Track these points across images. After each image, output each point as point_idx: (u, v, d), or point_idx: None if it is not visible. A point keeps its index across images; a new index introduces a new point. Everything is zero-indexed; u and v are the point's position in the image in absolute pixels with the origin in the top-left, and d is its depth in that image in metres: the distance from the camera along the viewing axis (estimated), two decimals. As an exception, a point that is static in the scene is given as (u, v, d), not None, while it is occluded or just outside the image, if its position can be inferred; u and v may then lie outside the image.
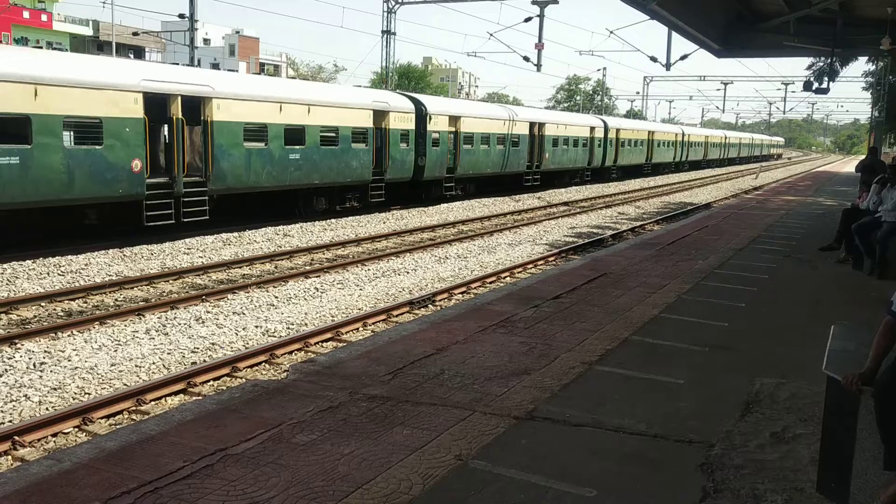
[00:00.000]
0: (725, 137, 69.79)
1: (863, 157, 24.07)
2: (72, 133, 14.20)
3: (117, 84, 14.71)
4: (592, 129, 38.27)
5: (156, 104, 15.63)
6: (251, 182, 17.99)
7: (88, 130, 14.33)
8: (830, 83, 23.27)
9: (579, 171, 38.06)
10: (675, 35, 22.78)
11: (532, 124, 31.85)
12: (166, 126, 16.27)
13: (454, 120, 26.08)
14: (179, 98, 15.92)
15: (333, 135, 20.37)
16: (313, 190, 20.41)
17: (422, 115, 24.20)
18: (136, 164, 15.07)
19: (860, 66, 39.42)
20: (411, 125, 23.65)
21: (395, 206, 23.51)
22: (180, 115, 15.96)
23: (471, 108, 29.58)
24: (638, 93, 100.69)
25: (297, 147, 19.12)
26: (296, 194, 20.08)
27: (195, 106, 16.45)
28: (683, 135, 55.49)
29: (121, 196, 15.06)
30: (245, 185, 17.90)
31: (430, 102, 25.62)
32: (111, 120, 14.55)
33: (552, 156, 33.64)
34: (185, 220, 16.29)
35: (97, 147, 14.43)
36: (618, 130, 41.57)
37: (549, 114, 38.30)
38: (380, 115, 22.27)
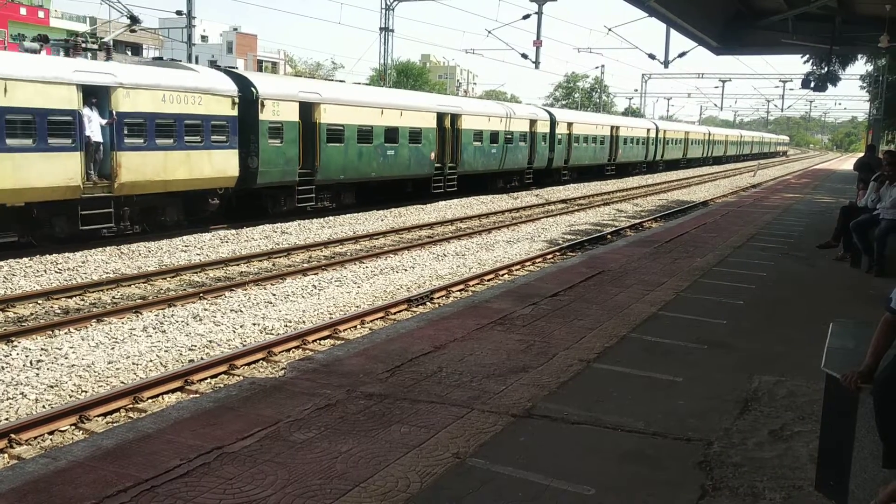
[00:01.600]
0: (741, 136, 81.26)
1: (860, 154, 24.11)
2: (409, 137, 24.04)
3: (426, 107, 25.26)
4: (648, 130, 48.06)
5: (437, 119, 25.50)
6: (475, 167, 28.40)
7: (415, 135, 24.23)
8: (831, 85, 23.24)
9: (639, 164, 47.78)
10: (673, 33, 22.89)
11: (612, 127, 41.61)
12: (438, 132, 25.58)
13: (569, 125, 35.82)
14: (449, 115, 26.37)
15: (511, 136, 30.47)
16: (497, 174, 30.62)
17: (553, 122, 34.08)
18: (433, 155, 25.30)
19: (859, 66, 39.52)
20: (547, 129, 33.74)
21: (394, 205, 23.66)
22: (448, 126, 26.28)
23: (579, 116, 40.12)
24: (636, 90, 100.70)
25: (495, 144, 29.33)
26: (486, 176, 29.90)
27: (454, 118, 26.69)
28: (710, 134, 65.31)
29: (424, 174, 25.23)
30: (472, 169, 28.27)
31: (557, 113, 36.10)
32: (424, 129, 24.72)
33: (623, 151, 43.47)
34: (448, 189, 26.29)
35: (419, 145, 24.44)
36: (664, 131, 51.25)
37: (622, 119, 49.59)
38: (532, 122, 32.54)
